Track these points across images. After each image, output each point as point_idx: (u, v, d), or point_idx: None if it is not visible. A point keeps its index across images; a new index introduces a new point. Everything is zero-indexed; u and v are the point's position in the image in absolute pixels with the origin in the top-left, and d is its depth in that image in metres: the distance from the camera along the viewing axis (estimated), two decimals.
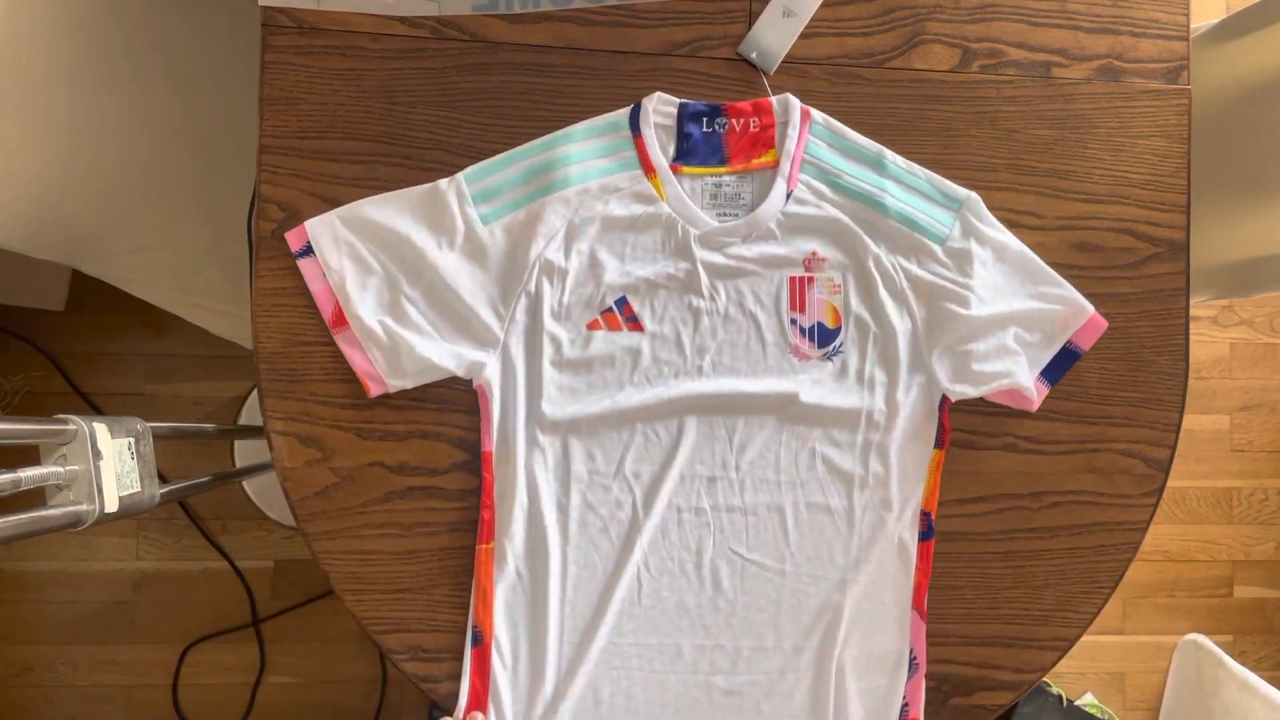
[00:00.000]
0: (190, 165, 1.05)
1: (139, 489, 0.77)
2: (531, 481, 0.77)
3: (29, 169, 0.83)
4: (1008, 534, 0.84)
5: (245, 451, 1.52)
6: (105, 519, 0.73)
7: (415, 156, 0.80)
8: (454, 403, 0.79)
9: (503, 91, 0.81)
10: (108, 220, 0.97)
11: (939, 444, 0.81)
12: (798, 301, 0.80)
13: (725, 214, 0.80)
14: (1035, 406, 0.82)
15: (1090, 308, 0.82)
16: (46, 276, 1.42)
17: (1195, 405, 1.76)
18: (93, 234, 0.96)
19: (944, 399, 0.81)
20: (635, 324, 0.78)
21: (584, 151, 0.79)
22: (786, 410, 0.79)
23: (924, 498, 0.81)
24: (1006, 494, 0.84)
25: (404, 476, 0.78)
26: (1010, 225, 0.85)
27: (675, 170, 0.79)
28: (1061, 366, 0.82)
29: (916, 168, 0.82)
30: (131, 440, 0.77)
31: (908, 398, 0.80)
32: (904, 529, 0.80)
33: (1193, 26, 0.91)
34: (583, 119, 0.81)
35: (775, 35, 0.81)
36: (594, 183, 0.78)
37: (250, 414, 1.52)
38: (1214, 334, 1.78)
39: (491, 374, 0.77)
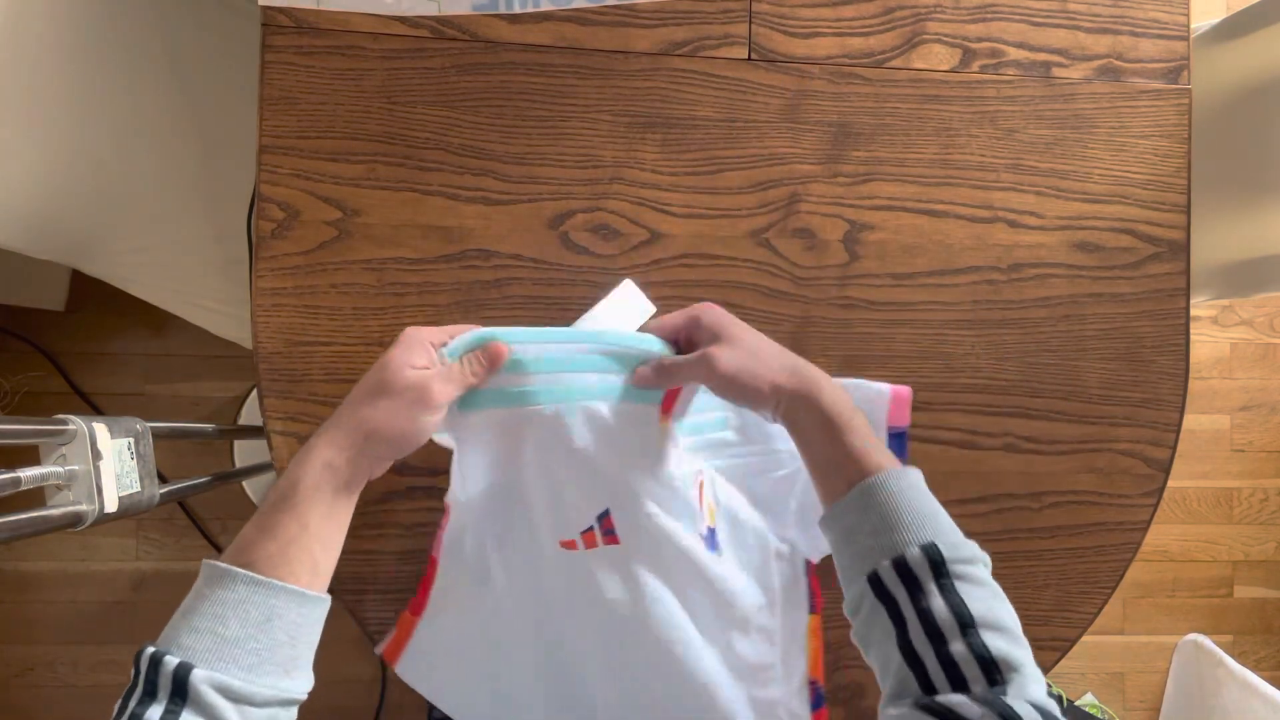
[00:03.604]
0: (190, 165, 1.05)
1: (139, 489, 0.77)
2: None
3: (30, 169, 0.83)
4: (1008, 534, 0.84)
5: (245, 451, 1.52)
6: (105, 519, 0.73)
7: (415, 156, 0.80)
8: None
9: (503, 91, 0.81)
10: (108, 220, 0.97)
11: (813, 609, 0.79)
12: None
13: None
14: None
15: (885, 388, 0.80)
16: (46, 276, 1.42)
17: (1195, 405, 1.76)
18: (93, 234, 0.96)
19: (807, 563, 0.79)
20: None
21: None
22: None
23: (809, 666, 0.79)
24: (1006, 494, 0.84)
25: (404, 477, 0.78)
26: (1011, 225, 0.85)
27: None
28: (899, 452, 0.80)
29: None
30: (131, 440, 0.77)
31: (776, 572, 0.78)
32: (794, 702, 0.78)
33: (1193, 26, 0.91)
34: (582, 118, 0.81)
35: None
36: None
37: (250, 414, 1.52)
38: (1214, 334, 1.78)
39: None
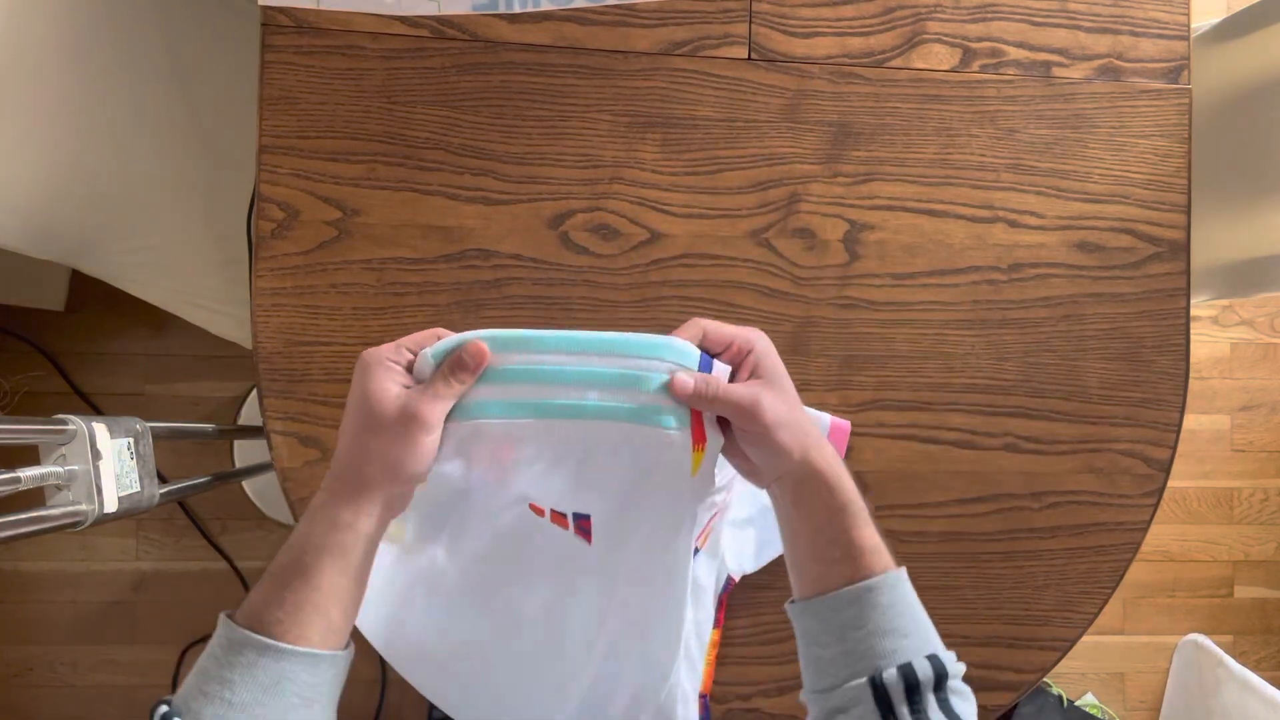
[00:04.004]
0: (190, 165, 1.05)
1: (138, 489, 0.77)
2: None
3: (30, 169, 0.83)
4: (1008, 534, 0.84)
5: (245, 451, 1.51)
6: (104, 519, 0.73)
7: (415, 156, 0.80)
8: None
9: (503, 91, 0.80)
10: (108, 220, 0.97)
11: (715, 624, 0.79)
12: None
13: None
14: None
15: (825, 418, 0.79)
16: (46, 276, 1.42)
17: (1196, 405, 1.75)
18: (93, 234, 0.96)
19: (729, 578, 0.79)
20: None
21: None
22: None
23: (702, 681, 0.78)
24: (1006, 494, 0.84)
25: None
26: (1011, 225, 0.85)
27: None
28: None
29: None
30: (130, 440, 0.77)
31: (709, 584, 0.77)
32: (689, 713, 0.75)
33: (1193, 26, 0.90)
34: (582, 118, 0.81)
35: None
36: None
37: (250, 414, 1.51)
38: (1214, 334, 1.78)
39: None
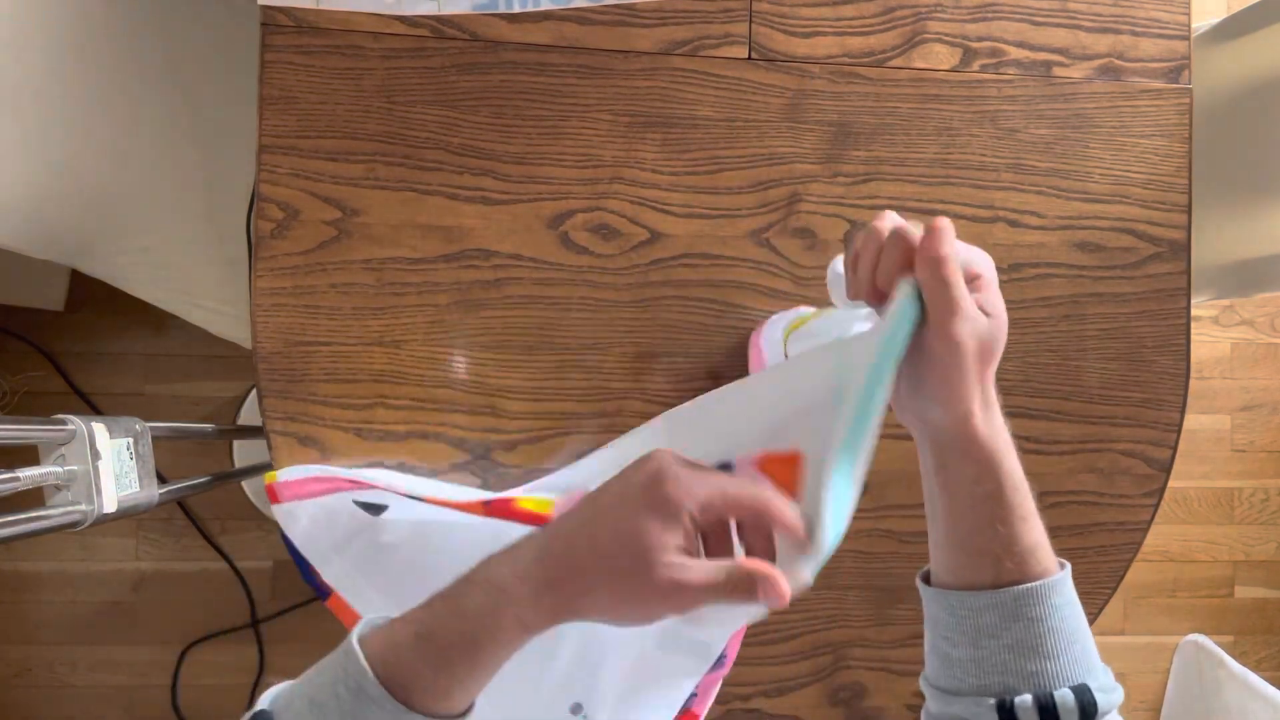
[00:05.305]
0: (190, 165, 1.05)
1: (138, 489, 0.77)
2: None
3: (29, 169, 0.83)
4: None
5: (245, 451, 1.51)
6: (104, 519, 0.73)
7: (415, 156, 0.80)
8: (454, 403, 0.79)
9: (502, 91, 0.80)
10: (108, 220, 0.97)
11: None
12: None
13: None
14: None
15: None
16: (46, 276, 1.42)
17: (1196, 405, 1.75)
18: (93, 234, 0.96)
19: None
20: None
21: None
22: None
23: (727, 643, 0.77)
24: None
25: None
26: (1011, 225, 0.85)
27: None
28: None
29: None
30: (130, 440, 0.77)
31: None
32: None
33: (1193, 26, 0.90)
34: (582, 118, 0.81)
35: None
36: None
37: (250, 414, 1.51)
38: (1215, 334, 1.77)
39: None
